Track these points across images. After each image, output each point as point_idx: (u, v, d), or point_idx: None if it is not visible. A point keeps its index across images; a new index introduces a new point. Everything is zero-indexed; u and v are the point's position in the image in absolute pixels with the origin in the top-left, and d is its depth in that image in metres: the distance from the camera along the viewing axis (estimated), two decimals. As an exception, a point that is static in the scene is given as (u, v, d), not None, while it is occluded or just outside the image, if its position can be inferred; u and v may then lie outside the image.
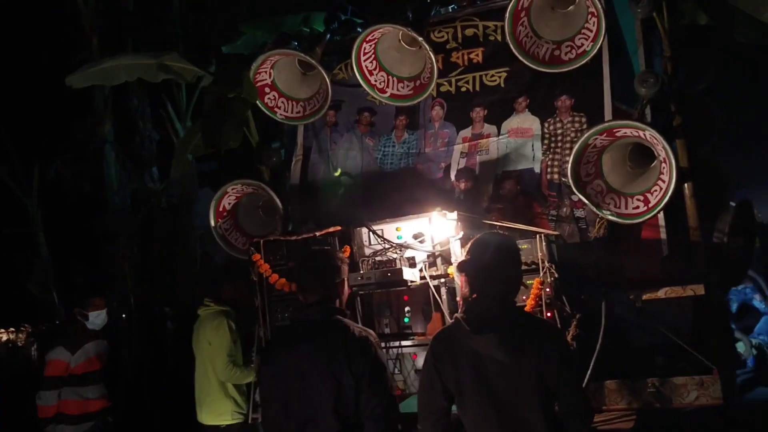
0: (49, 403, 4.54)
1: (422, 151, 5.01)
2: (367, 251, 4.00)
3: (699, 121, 4.25)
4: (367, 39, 4.45)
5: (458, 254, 3.59)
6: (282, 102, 4.91)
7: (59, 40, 8.08)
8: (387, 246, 3.88)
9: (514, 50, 4.12)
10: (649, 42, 4.29)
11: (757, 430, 4.02)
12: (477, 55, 4.89)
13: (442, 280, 3.75)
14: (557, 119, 4.56)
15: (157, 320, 7.48)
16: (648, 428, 3.45)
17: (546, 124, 4.59)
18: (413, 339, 4.00)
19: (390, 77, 4.64)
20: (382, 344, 3.01)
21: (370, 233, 3.98)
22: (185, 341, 5.04)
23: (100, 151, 7.82)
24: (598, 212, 3.83)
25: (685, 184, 3.93)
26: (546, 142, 4.57)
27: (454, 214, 3.73)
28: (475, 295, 2.51)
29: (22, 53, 8.38)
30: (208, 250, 8.20)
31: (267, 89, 4.84)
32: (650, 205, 3.69)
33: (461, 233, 3.66)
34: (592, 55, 3.99)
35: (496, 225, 3.77)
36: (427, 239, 3.84)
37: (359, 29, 4.95)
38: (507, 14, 4.04)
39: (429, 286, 3.74)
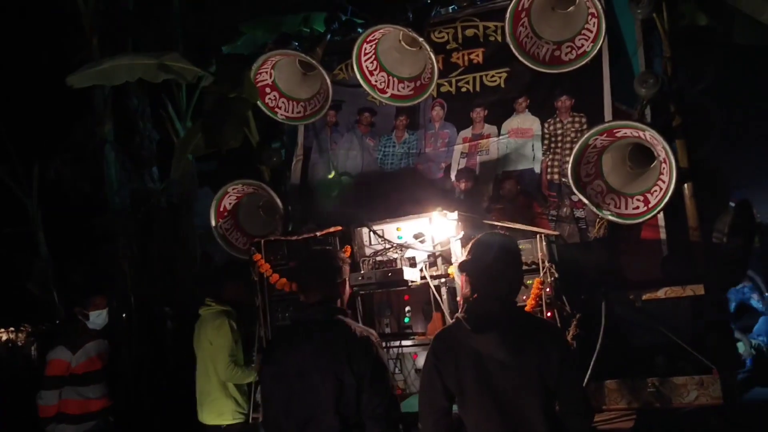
0: (50, 403, 4.54)
1: (422, 152, 5.02)
2: (368, 251, 4.01)
3: (698, 122, 4.26)
4: (368, 39, 4.47)
5: (459, 254, 3.61)
6: (283, 102, 4.92)
7: (59, 39, 8.07)
8: (388, 246, 3.89)
9: (514, 51, 4.14)
10: (648, 43, 4.30)
11: (755, 429, 4.03)
12: (477, 55, 4.90)
13: (443, 280, 3.76)
14: (557, 119, 4.57)
15: (156, 320, 7.47)
16: (648, 428, 3.46)
17: (546, 125, 4.60)
18: (414, 339, 4.01)
19: (390, 77, 4.66)
20: (383, 344, 3.02)
21: (371, 233, 3.99)
22: (185, 341, 5.05)
23: (100, 151, 7.80)
24: (598, 212, 3.84)
25: (685, 185, 3.94)
26: (546, 142, 4.58)
27: (455, 214, 3.74)
28: (476, 295, 2.52)
29: (22, 53, 8.37)
30: (208, 249, 8.20)
31: (268, 89, 4.85)
32: (650, 206, 3.70)
33: (461, 233, 3.68)
34: (592, 55, 4.01)
35: (497, 225, 3.78)
36: (428, 239, 3.85)
37: (360, 29, 4.97)
38: (507, 15, 4.05)
39: (429, 286, 3.75)
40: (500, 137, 4.75)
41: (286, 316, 4.15)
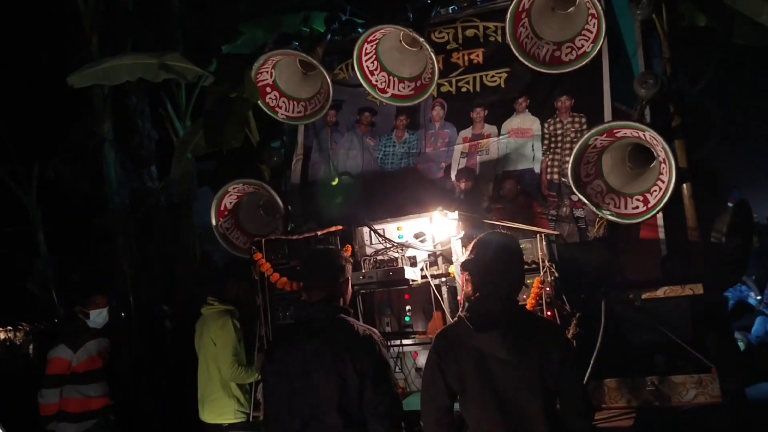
0: (51, 401, 4.54)
1: (423, 151, 5.03)
2: (369, 250, 4.02)
3: (698, 122, 4.28)
4: (369, 39, 4.48)
5: (459, 253, 3.62)
6: (283, 102, 4.93)
7: (59, 39, 8.07)
8: (388, 245, 3.90)
9: (514, 51, 4.15)
10: (648, 43, 4.32)
11: (755, 428, 4.05)
12: (477, 55, 4.91)
13: (443, 279, 3.78)
14: (557, 120, 4.59)
15: (156, 319, 7.48)
16: (647, 426, 3.48)
17: (546, 125, 4.62)
18: (414, 337, 4.03)
19: (391, 77, 4.67)
20: (386, 343, 3.03)
21: (372, 232, 4.00)
22: (184, 340, 5.05)
23: (99, 150, 7.81)
24: (598, 212, 3.86)
25: (684, 185, 3.96)
26: (546, 142, 4.60)
27: (455, 214, 3.75)
28: (477, 294, 2.54)
29: (22, 52, 8.37)
30: (207, 249, 8.22)
31: (268, 89, 4.86)
32: (650, 205, 3.72)
33: (462, 233, 3.69)
34: (592, 56, 4.02)
35: (497, 225, 3.80)
36: (428, 239, 3.87)
37: (360, 29, 4.98)
38: (508, 15, 4.06)
39: (430, 285, 3.76)
40: (500, 137, 4.76)
41: (287, 315, 4.16)
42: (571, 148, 3.97)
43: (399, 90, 4.69)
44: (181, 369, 5.84)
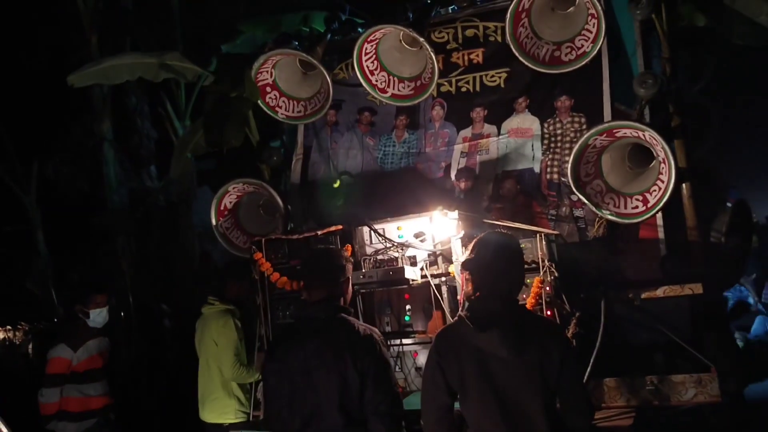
0: (51, 401, 4.54)
1: (422, 151, 5.03)
2: (369, 250, 4.03)
3: (697, 122, 4.29)
4: (369, 39, 4.49)
5: (459, 253, 3.63)
6: (283, 101, 4.93)
7: (59, 38, 8.06)
8: (388, 245, 3.91)
9: (514, 51, 4.16)
10: (647, 43, 4.34)
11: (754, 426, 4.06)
12: (477, 55, 4.92)
13: (443, 278, 3.78)
14: (557, 119, 4.60)
15: (155, 318, 7.48)
16: (647, 425, 3.49)
17: (546, 125, 4.63)
18: (414, 337, 4.04)
19: (391, 77, 4.68)
20: (386, 342, 3.03)
21: (372, 232, 4.01)
22: (184, 339, 5.05)
23: (98, 150, 7.81)
24: (597, 212, 3.87)
25: (683, 184, 3.96)
26: (546, 142, 4.60)
27: (455, 214, 3.76)
28: (478, 293, 2.54)
29: (21, 52, 8.36)
30: (206, 248, 8.21)
31: (268, 89, 4.87)
32: (649, 205, 3.73)
33: (462, 232, 3.70)
34: (592, 56, 4.04)
35: (497, 224, 3.81)
36: (428, 238, 3.87)
37: (360, 29, 4.99)
38: (508, 15, 4.08)
39: (430, 285, 3.77)
40: (500, 137, 4.77)
41: (287, 315, 4.17)
42: (571, 148, 3.98)
43: (399, 90, 4.70)
44: (181, 368, 5.85)
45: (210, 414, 4.50)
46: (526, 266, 3.46)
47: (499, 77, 4.82)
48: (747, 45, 3.93)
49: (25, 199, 8.85)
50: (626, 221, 3.85)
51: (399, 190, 4.87)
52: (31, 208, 8.86)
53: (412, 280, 3.71)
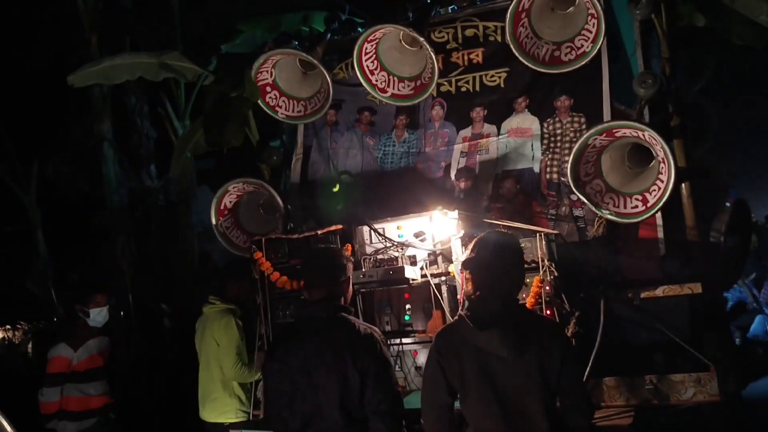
0: (52, 400, 4.54)
1: (422, 151, 5.03)
2: (369, 249, 4.04)
3: (696, 122, 4.30)
4: (369, 39, 4.49)
5: (459, 253, 3.63)
6: (283, 101, 4.93)
7: (58, 38, 8.06)
8: (388, 244, 3.92)
9: (514, 51, 4.17)
10: (647, 43, 4.34)
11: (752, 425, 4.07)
12: (477, 55, 4.92)
13: (443, 278, 3.79)
14: (556, 119, 4.60)
15: (155, 318, 7.49)
16: (646, 424, 3.49)
17: (545, 124, 4.63)
18: (414, 336, 4.05)
19: (391, 77, 4.68)
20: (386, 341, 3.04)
21: (372, 231, 4.02)
22: (183, 338, 5.05)
23: (98, 149, 7.82)
24: (597, 211, 3.88)
25: (683, 184, 3.97)
26: (545, 141, 4.60)
27: (455, 213, 3.77)
28: (478, 293, 2.55)
29: (21, 51, 8.36)
30: (206, 248, 8.22)
31: (268, 88, 4.87)
32: (649, 205, 3.74)
33: (462, 232, 3.71)
34: (591, 56, 4.05)
35: (497, 224, 3.81)
36: (428, 238, 3.88)
37: (360, 29, 4.99)
38: (508, 15, 4.08)
39: (430, 284, 3.77)
40: (500, 137, 4.77)
41: (287, 314, 4.18)
42: (571, 148, 3.99)
43: (399, 89, 4.70)
44: (181, 368, 5.85)
45: (210, 413, 4.49)
46: (525, 266, 3.46)
47: (499, 77, 4.83)
48: (746, 45, 3.94)
49: (24, 199, 8.85)
50: (626, 221, 3.86)
51: (399, 190, 4.87)
52: (31, 208, 8.86)
53: (412, 280, 3.72)
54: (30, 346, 8.67)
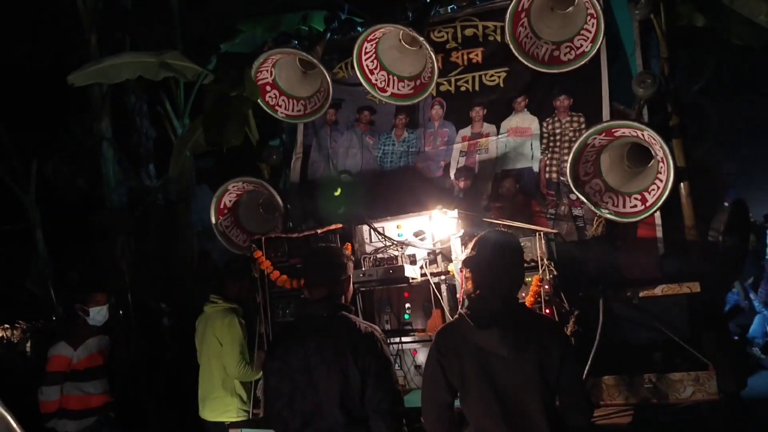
0: (51, 399, 4.55)
1: (422, 150, 5.03)
2: (368, 248, 4.05)
3: (695, 122, 4.31)
4: (369, 38, 4.50)
5: (458, 252, 3.64)
6: (283, 100, 4.94)
7: (58, 37, 8.06)
8: (388, 243, 3.93)
9: (514, 51, 4.18)
10: (646, 43, 4.34)
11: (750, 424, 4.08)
12: (476, 55, 4.92)
13: (443, 277, 3.81)
14: (556, 119, 4.61)
15: (154, 317, 7.49)
16: (645, 423, 3.51)
17: (545, 124, 4.63)
18: (413, 335, 4.06)
19: (390, 76, 4.69)
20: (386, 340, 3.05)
21: (371, 231, 4.02)
22: (183, 338, 5.05)
23: (97, 148, 7.82)
24: (596, 211, 3.89)
25: (682, 184, 3.98)
26: (545, 141, 4.61)
27: (454, 212, 3.78)
28: (478, 292, 2.56)
29: (20, 50, 8.36)
30: (205, 247, 8.22)
31: (268, 87, 4.88)
32: (648, 204, 3.75)
33: (461, 231, 3.72)
34: (591, 55, 4.06)
35: (496, 223, 3.82)
36: (428, 237, 3.89)
37: (359, 28, 5.00)
38: (507, 15, 4.09)
39: (430, 283, 3.78)
40: (499, 136, 4.78)
41: (287, 313, 4.19)
42: (570, 147, 4.00)
43: (398, 89, 4.71)
44: (180, 367, 5.86)
45: (211, 413, 4.48)
46: (525, 265, 3.47)
47: (499, 77, 4.83)
48: (746, 45, 3.94)
49: (24, 198, 8.85)
50: (625, 220, 3.87)
51: (398, 189, 4.87)
52: (31, 207, 8.85)
53: (412, 279, 3.73)
54: (29, 345, 8.66)
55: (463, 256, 2.71)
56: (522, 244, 3.44)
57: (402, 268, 3.67)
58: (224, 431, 4.25)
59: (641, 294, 3.70)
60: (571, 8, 4.18)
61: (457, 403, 2.59)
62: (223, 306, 4.51)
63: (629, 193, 3.85)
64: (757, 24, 3.82)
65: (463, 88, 4.96)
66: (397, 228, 3.98)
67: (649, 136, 3.58)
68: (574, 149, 3.82)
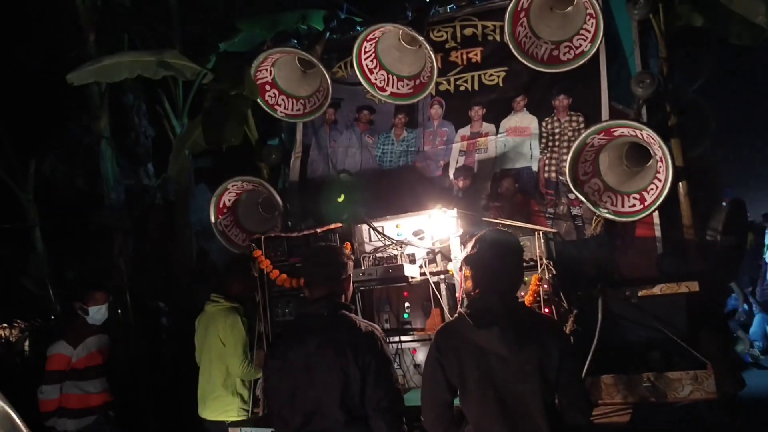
0: (51, 397, 4.56)
1: (421, 149, 5.04)
2: (368, 248, 4.05)
3: (694, 121, 4.32)
4: (368, 38, 4.50)
5: (458, 251, 3.65)
6: (282, 99, 4.95)
7: (56, 36, 8.05)
8: (388, 243, 3.93)
9: (513, 50, 4.19)
10: (645, 43, 4.35)
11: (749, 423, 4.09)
12: (476, 54, 4.93)
13: (442, 276, 3.81)
14: (555, 118, 4.62)
15: (152, 316, 7.49)
16: (644, 422, 3.52)
17: (544, 123, 4.64)
18: (413, 334, 4.07)
19: (390, 76, 4.70)
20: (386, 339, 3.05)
21: (371, 230, 4.03)
22: (181, 337, 5.05)
23: (95, 147, 7.81)
24: (595, 210, 3.90)
25: (680, 183, 3.99)
26: (544, 141, 4.62)
27: (454, 212, 3.78)
28: (478, 290, 2.57)
29: (19, 49, 8.35)
30: (204, 246, 8.22)
31: (267, 87, 4.88)
32: (646, 204, 3.76)
33: (460, 230, 3.73)
34: (590, 55, 4.07)
35: (495, 222, 3.83)
36: (427, 236, 3.89)
37: (358, 28, 5.00)
38: (507, 15, 4.10)
39: (429, 283, 3.79)
40: (498, 135, 4.78)
41: (286, 312, 4.19)
42: (569, 147, 4.01)
43: (398, 88, 4.72)
44: (179, 366, 5.86)
45: (212, 412, 4.46)
46: (524, 264, 3.48)
47: (498, 76, 4.84)
48: (744, 45, 3.95)
49: (22, 197, 8.83)
50: (623, 219, 3.88)
51: (398, 189, 4.88)
52: (29, 206, 8.84)
53: (411, 278, 3.73)
54: (27, 344, 8.65)
55: (463, 255, 2.72)
56: (522, 244, 3.47)
57: (401, 267, 3.67)
58: (224, 431, 4.25)
59: (640, 293, 3.72)
60: (570, 8, 4.19)
61: (456, 402, 2.60)
62: (225, 305, 4.50)
63: (628, 193, 3.86)
64: (755, 24, 3.83)
65: (462, 88, 4.96)
66: (396, 227, 3.98)
67: (647, 135, 3.59)
68: (573, 149, 3.83)
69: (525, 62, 4.23)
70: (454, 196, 4.72)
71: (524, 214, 4.41)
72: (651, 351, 3.63)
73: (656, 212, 3.93)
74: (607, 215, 3.86)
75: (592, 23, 4.00)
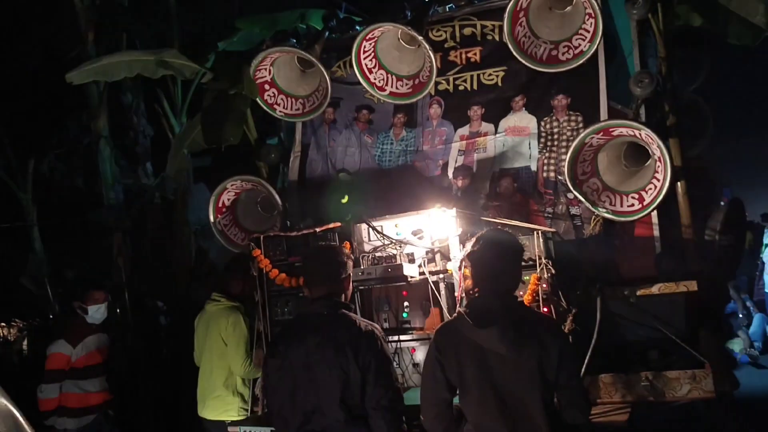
0: (51, 396, 4.55)
1: (420, 149, 5.04)
2: (367, 247, 4.05)
3: (692, 121, 4.33)
4: (367, 37, 4.50)
5: (457, 250, 3.66)
6: (281, 99, 4.94)
7: (55, 36, 8.05)
8: (387, 242, 3.93)
9: (512, 50, 4.19)
10: (644, 43, 4.35)
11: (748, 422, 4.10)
12: (475, 54, 4.93)
13: (441, 275, 3.81)
14: (554, 118, 4.62)
15: (151, 315, 7.49)
16: (642, 420, 3.53)
17: (543, 123, 4.65)
18: (412, 333, 4.07)
19: (389, 75, 4.70)
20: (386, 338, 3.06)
21: (370, 229, 4.03)
22: (179, 336, 5.05)
23: (94, 146, 7.81)
24: (594, 210, 3.91)
25: (679, 183, 4.00)
26: (542, 140, 4.62)
27: (453, 211, 3.79)
28: (477, 290, 2.58)
29: (18, 49, 8.34)
30: (202, 245, 8.23)
31: (267, 86, 4.88)
32: (645, 203, 3.76)
33: (459, 230, 3.73)
34: (589, 55, 4.08)
35: (494, 222, 3.84)
36: (426, 236, 3.90)
37: (357, 27, 5.00)
38: (506, 14, 4.11)
39: (428, 282, 3.79)
40: (497, 135, 4.79)
41: (285, 312, 4.19)
42: (568, 147, 4.02)
43: (397, 88, 4.71)
44: (177, 365, 5.86)
45: (212, 411, 4.44)
46: (523, 263, 3.49)
47: (497, 76, 4.84)
48: (742, 45, 3.96)
49: (21, 196, 8.84)
50: (622, 219, 3.89)
51: (396, 188, 4.88)
52: (27, 205, 8.85)
53: (411, 277, 3.73)
54: (25, 343, 8.65)
55: (464, 253, 2.72)
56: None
57: (400, 266, 3.67)
58: (223, 430, 4.25)
59: (638, 292, 3.72)
60: (569, 8, 4.20)
61: (456, 400, 2.61)
62: (226, 304, 4.49)
63: (626, 192, 3.87)
64: (754, 24, 3.84)
65: (461, 87, 4.97)
66: (395, 227, 3.98)
67: (646, 135, 3.60)
68: (571, 148, 3.84)
69: (524, 62, 4.23)
70: (453, 196, 4.72)
71: (523, 213, 4.41)
72: (649, 350, 3.64)
73: (655, 212, 3.94)
74: (606, 215, 3.87)
75: (591, 23, 4.00)
